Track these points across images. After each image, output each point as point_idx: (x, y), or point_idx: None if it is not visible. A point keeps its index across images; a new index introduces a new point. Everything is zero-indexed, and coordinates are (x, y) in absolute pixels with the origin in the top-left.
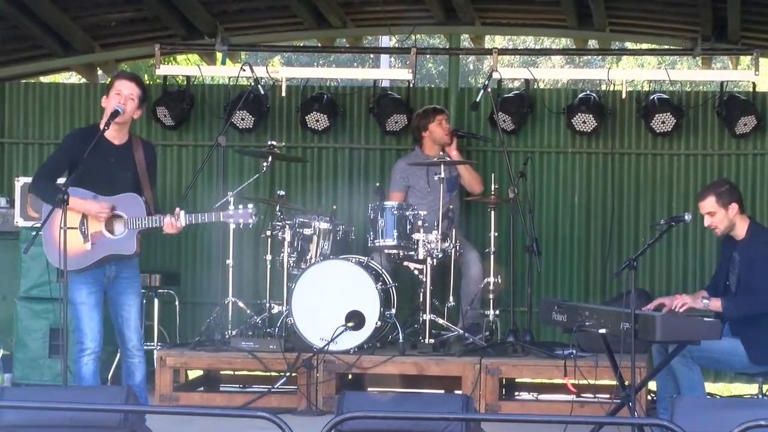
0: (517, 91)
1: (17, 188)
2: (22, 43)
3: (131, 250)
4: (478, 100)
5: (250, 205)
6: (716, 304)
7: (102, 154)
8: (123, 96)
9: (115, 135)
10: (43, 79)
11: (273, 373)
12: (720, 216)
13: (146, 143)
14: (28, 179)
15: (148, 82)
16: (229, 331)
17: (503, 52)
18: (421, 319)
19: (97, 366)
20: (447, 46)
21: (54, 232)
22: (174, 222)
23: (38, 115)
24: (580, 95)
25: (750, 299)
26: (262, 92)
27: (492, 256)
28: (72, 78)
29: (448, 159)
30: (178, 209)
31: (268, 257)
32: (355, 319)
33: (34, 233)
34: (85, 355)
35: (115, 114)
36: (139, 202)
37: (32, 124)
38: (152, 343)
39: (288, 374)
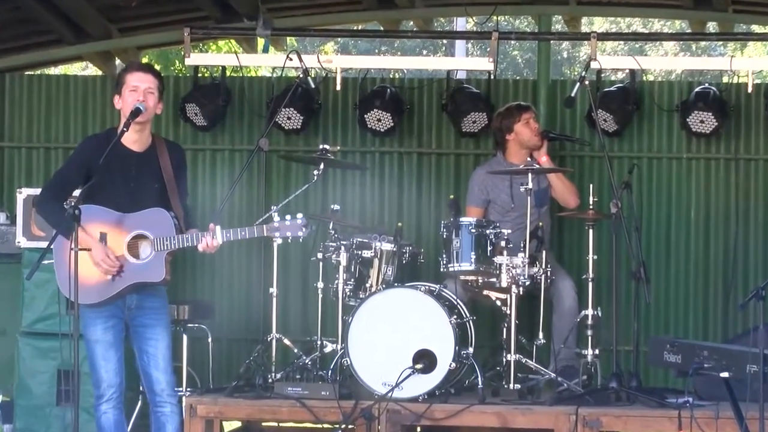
0: (620, 85)
1: (19, 202)
2: (25, 27)
3: (159, 276)
4: (573, 94)
5: (300, 215)
6: None
7: (121, 164)
8: (140, 91)
9: (135, 139)
10: (51, 70)
11: (326, 425)
12: None
13: (172, 145)
14: (33, 191)
15: (176, 73)
16: (273, 374)
17: (604, 37)
18: (504, 359)
19: (121, 414)
20: (535, 30)
21: (66, 257)
22: (210, 240)
23: (44, 113)
24: (697, 89)
25: None
26: (313, 86)
27: (590, 284)
28: (85, 69)
29: (537, 166)
30: (212, 225)
31: (320, 285)
32: (425, 360)
33: (39, 256)
34: (103, 402)
35: (136, 112)
36: (166, 218)
37: (37, 124)
38: (180, 388)
39: (344, 426)
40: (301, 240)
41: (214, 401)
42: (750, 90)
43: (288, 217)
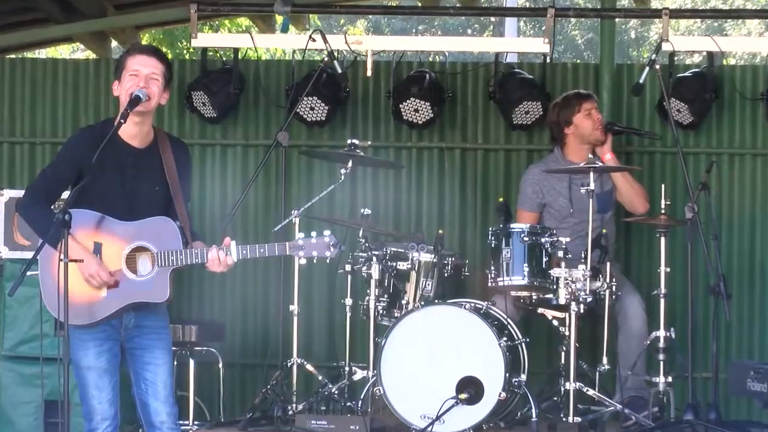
0: (696, 70)
1: (1, 205)
2: (7, 4)
3: (163, 296)
4: (642, 81)
5: (328, 232)
6: None
7: (117, 162)
8: (142, 76)
9: (135, 133)
10: (37, 53)
11: None
12: None
13: (176, 141)
14: (16, 193)
15: (186, 55)
16: (294, 405)
17: (677, 14)
18: (562, 388)
19: None
20: (598, 6)
21: (54, 269)
22: (223, 257)
23: (29, 102)
24: None
25: None
26: (340, 71)
27: (662, 301)
28: (75, 52)
29: (601, 164)
30: (228, 239)
31: (348, 302)
32: (471, 389)
33: (23, 268)
34: None
35: (135, 100)
36: (172, 229)
37: (21, 115)
38: (186, 421)
39: None
40: (328, 261)
41: None
42: None
43: (314, 234)
